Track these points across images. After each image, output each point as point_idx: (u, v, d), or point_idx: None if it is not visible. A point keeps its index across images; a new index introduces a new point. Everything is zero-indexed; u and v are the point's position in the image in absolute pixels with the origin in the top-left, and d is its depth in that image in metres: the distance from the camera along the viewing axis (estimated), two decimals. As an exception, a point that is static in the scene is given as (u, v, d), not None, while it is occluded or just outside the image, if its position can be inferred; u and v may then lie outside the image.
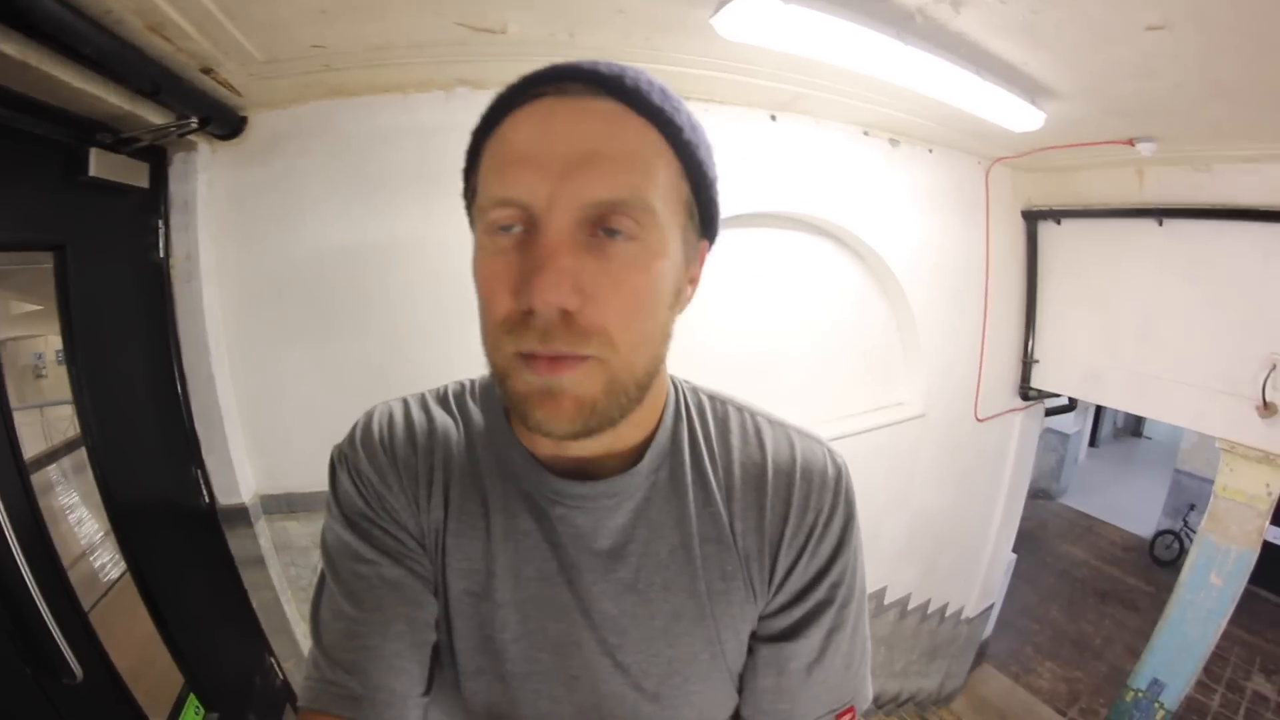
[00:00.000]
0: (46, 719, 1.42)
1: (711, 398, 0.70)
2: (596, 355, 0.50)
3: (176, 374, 2.10)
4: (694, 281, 0.60)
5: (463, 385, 0.72)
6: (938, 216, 3.21)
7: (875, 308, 3.29)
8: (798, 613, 0.63)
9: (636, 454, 0.63)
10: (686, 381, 0.70)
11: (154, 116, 1.71)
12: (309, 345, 2.14)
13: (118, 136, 1.73)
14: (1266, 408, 2.86)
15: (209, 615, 2.18)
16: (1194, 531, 5.89)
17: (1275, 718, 4.34)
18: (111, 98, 1.55)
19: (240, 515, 2.12)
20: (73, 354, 1.76)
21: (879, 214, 2.99)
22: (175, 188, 2.04)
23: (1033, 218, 3.66)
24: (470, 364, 2.39)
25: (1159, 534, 6.65)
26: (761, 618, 0.63)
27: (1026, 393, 3.94)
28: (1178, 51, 1.87)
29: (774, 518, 0.64)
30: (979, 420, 3.73)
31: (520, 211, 0.50)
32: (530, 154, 0.50)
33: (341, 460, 0.67)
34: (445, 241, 2.17)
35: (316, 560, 2.27)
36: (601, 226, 0.50)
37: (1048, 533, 7.16)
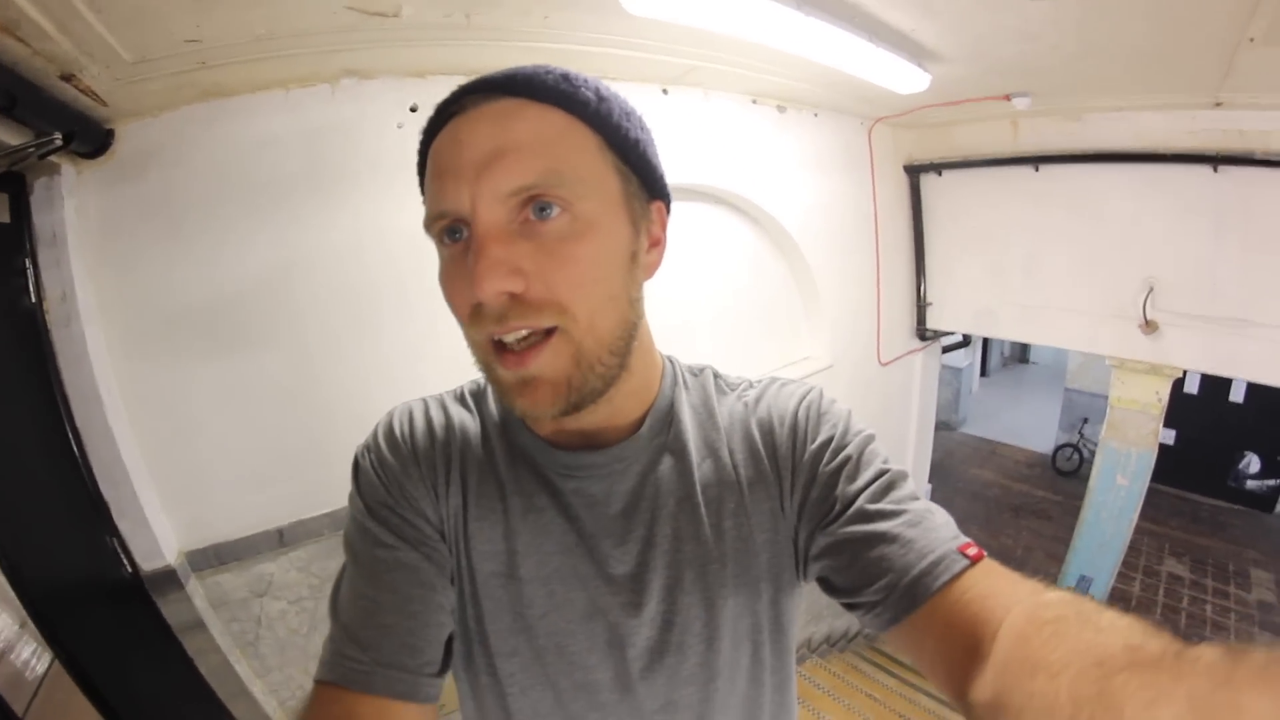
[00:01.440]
0: None
1: (700, 368, 0.75)
2: (558, 326, 0.54)
3: (70, 432, 1.85)
4: (657, 244, 0.63)
5: (478, 383, 0.74)
6: (826, 176, 3.33)
7: (774, 268, 3.39)
8: (849, 492, 0.61)
9: (638, 423, 0.67)
10: (673, 357, 0.75)
11: (9, 137, 1.46)
12: (213, 378, 1.96)
13: None
14: (1148, 325, 3.21)
15: (158, 695, 1.98)
16: (1091, 442, 6.52)
17: (1190, 592, 4.82)
18: None
19: (168, 579, 1.90)
20: None
21: (770, 178, 3.07)
22: (40, 219, 1.76)
23: (914, 171, 3.88)
24: (387, 374, 2.23)
25: (1059, 448, 7.15)
26: (828, 522, 0.61)
27: (923, 333, 4.21)
28: (1058, 17, 2.04)
29: (772, 447, 0.66)
30: (882, 364, 3.93)
31: (453, 219, 0.54)
32: (448, 168, 0.54)
33: (365, 454, 0.69)
34: (348, 246, 2.11)
35: (258, 612, 2.07)
36: (531, 208, 0.53)
37: (955, 460, 7.54)
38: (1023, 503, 6.53)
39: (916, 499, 0.60)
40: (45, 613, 1.65)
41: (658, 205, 0.63)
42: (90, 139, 1.73)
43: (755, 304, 3.33)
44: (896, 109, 3.28)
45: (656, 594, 0.64)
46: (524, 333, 0.54)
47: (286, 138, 1.96)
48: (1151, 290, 3.17)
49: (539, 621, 0.65)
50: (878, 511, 0.58)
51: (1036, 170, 3.41)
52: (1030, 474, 7.18)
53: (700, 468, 0.66)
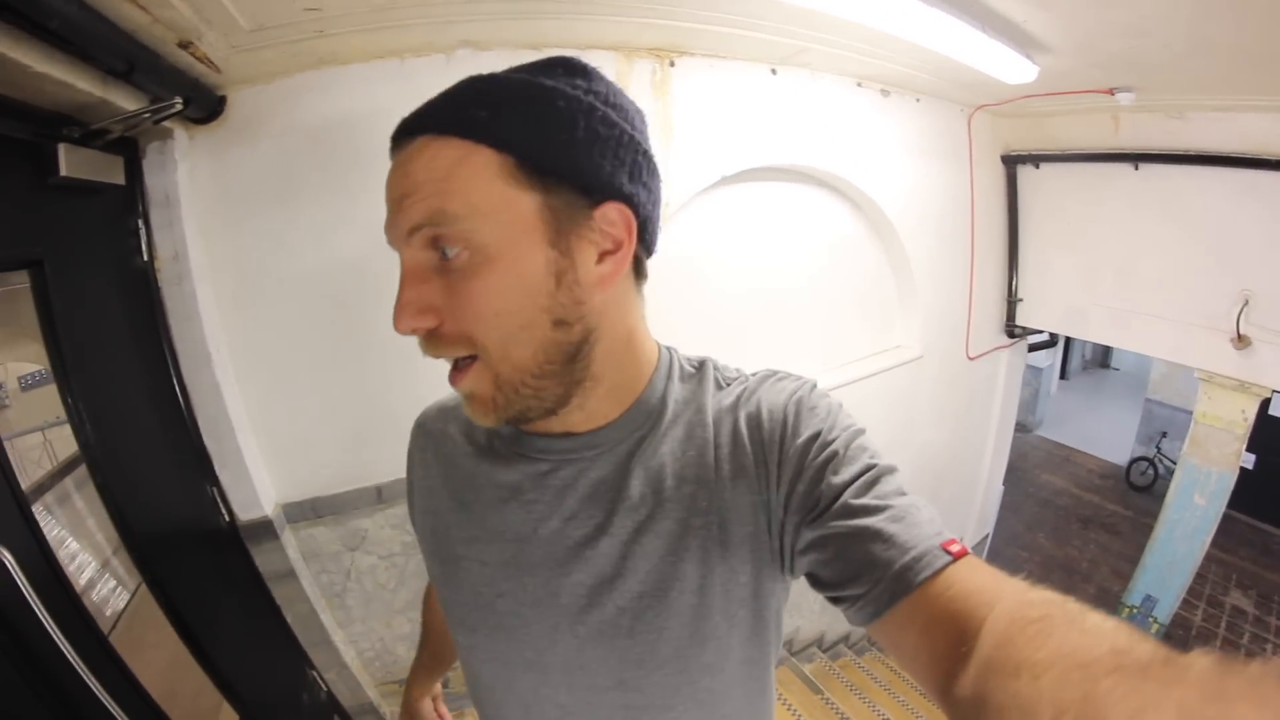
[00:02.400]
0: None
1: (699, 361, 0.74)
2: (476, 358, 0.57)
3: (177, 387, 1.92)
4: (614, 251, 0.60)
5: None
6: (926, 163, 3.21)
7: (871, 253, 3.30)
8: (835, 486, 0.59)
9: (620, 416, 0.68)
10: (674, 349, 0.74)
11: (126, 102, 1.50)
12: (320, 339, 2.01)
13: (86, 129, 1.50)
14: (1240, 340, 3.02)
15: (245, 638, 2.07)
16: (1168, 458, 6.30)
17: (1253, 629, 4.62)
18: (80, 83, 1.35)
19: (264, 529, 1.99)
20: (64, 376, 1.57)
21: (872, 162, 2.98)
22: (152, 181, 1.82)
23: (1012, 162, 3.70)
24: None
25: (1134, 461, 6.88)
26: (814, 517, 0.60)
27: (1012, 330, 4.05)
28: (1171, 14, 1.96)
29: (759, 442, 0.64)
30: (970, 359, 3.82)
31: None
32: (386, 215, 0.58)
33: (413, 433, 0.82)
34: None
35: (349, 565, 2.15)
36: (436, 251, 0.55)
37: (1028, 464, 7.37)
38: (1092, 514, 6.35)
39: (903, 494, 0.59)
40: (145, 554, 1.74)
41: (612, 207, 0.59)
42: (203, 105, 1.76)
43: (851, 289, 3.26)
44: (998, 97, 3.14)
45: (608, 582, 0.65)
46: (454, 357, 0.58)
47: (400, 107, 1.95)
48: (1246, 303, 2.99)
49: (496, 600, 0.68)
50: (862, 506, 0.57)
51: (1136, 169, 3.21)
52: (1102, 485, 6.98)
53: (679, 460, 0.65)
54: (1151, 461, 6.70)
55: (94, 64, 1.35)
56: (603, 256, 0.59)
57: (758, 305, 2.89)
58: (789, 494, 0.61)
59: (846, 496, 0.58)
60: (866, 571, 0.54)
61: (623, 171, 0.59)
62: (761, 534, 0.63)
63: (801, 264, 3.01)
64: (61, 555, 1.45)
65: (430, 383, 0.77)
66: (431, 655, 1.10)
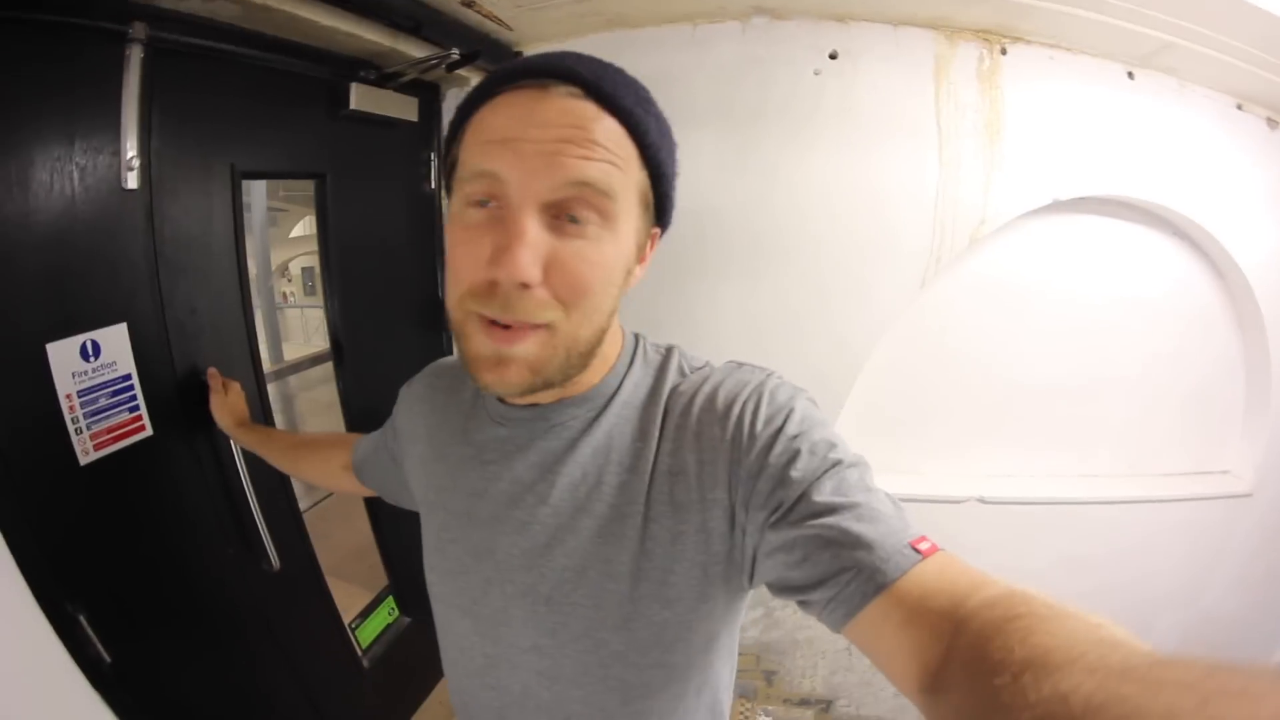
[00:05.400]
0: (244, 598, 1.57)
1: (667, 348, 0.76)
2: (548, 325, 0.58)
3: (441, 300, 2.15)
4: (643, 262, 0.67)
5: None
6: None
7: (1223, 341, 2.47)
8: (799, 484, 0.58)
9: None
10: (642, 335, 0.77)
11: (417, 51, 1.72)
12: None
13: (381, 72, 1.78)
14: None
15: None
16: None
17: None
18: (369, 35, 1.57)
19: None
20: (328, 272, 1.87)
21: (1245, 216, 2.26)
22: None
23: None
24: (762, 331, 1.88)
25: None
26: (778, 518, 0.58)
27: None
28: None
29: (716, 436, 0.63)
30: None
31: (496, 185, 0.56)
32: (510, 136, 0.55)
33: (407, 384, 0.93)
34: (754, 194, 2.04)
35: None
36: (565, 213, 0.56)
37: None
38: None
39: (871, 489, 0.58)
40: (359, 429, 1.94)
41: (655, 231, 0.68)
42: (497, 58, 1.90)
43: (1187, 381, 2.46)
44: None
45: (537, 549, 0.68)
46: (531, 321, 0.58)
47: (692, 74, 1.94)
48: None
49: (449, 546, 0.76)
50: (828, 505, 0.56)
51: None
52: None
53: (625, 448, 0.67)
54: None
55: (379, 21, 1.58)
56: (639, 260, 0.66)
57: (1068, 366, 2.31)
58: (749, 492, 0.61)
59: (811, 494, 0.57)
60: (835, 573, 0.54)
61: (672, 207, 0.67)
62: (707, 534, 0.63)
63: (1134, 329, 2.33)
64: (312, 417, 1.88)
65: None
66: (268, 436, 1.34)
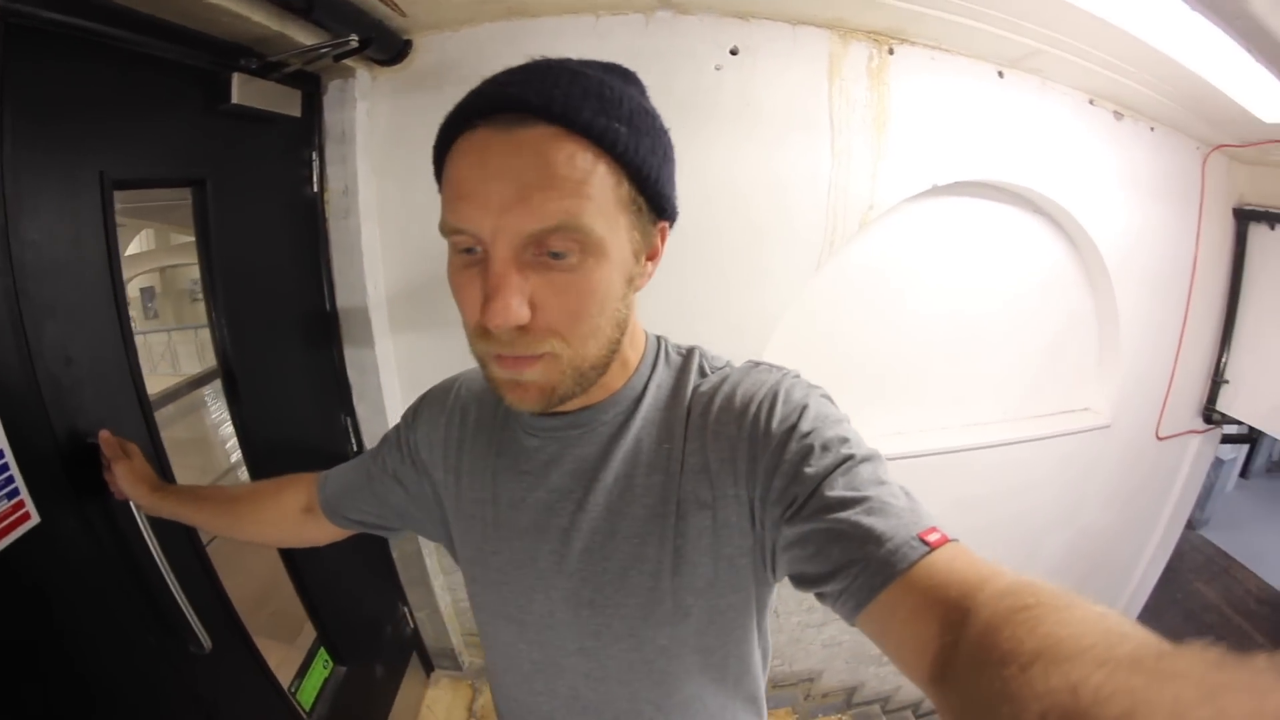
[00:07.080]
0: (176, 689, 1.35)
1: (688, 349, 0.77)
2: (552, 352, 0.59)
3: (331, 315, 1.99)
4: (654, 258, 0.67)
5: None
6: (1151, 205, 2.77)
7: (1078, 298, 2.87)
8: (812, 480, 0.60)
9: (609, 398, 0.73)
10: (664, 338, 0.78)
11: (305, 38, 1.54)
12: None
13: (264, 61, 1.57)
14: None
15: (347, 568, 2.06)
16: None
17: None
18: (256, 16, 1.39)
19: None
20: (211, 288, 1.62)
21: (1095, 194, 2.59)
22: (330, 116, 1.87)
23: (1244, 217, 3.15)
24: (679, 320, 1.98)
25: (1305, 593, 5.85)
26: (793, 512, 0.60)
27: (1210, 415, 3.44)
28: None
29: (735, 434, 0.66)
30: (1159, 439, 3.29)
31: (472, 238, 0.57)
32: (471, 192, 0.55)
33: (419, 402, 0.90)
34: None
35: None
36: (546, 249, 0.56)
37: (1183, 565, 6.37)
38: (1237, 643, 5.30)
39: (883, 482, 0.59)
40: (263, 470, 1.73)
41: (662, 225, 0.66)
42: (386, 46, 1.77)
43: (1049, 334, 2.86)
44: (1243, 138, 2.69)
45: (577, 554, 0.70)
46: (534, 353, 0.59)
47: None
48: None
49: (491, 557, 0.77)
50: (839, 500, 0.57)
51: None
52: (1257, 611, 5.96)
53: (653, 449, 0.70)
54: (1329, 600, 5.68)
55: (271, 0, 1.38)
56: (646, 261, 0.66)
57: (947, 330, 2.60)
58: (765, 489, 0.63)
59: (823, 490, 0.58)
60: (845, 566, 0.54)
61: (675, 192, 0.66)
62: (730, 529, 0.66)
63: (1002, 294, 2.66)
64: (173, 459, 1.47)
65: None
66: (194, 496, 1.12)
